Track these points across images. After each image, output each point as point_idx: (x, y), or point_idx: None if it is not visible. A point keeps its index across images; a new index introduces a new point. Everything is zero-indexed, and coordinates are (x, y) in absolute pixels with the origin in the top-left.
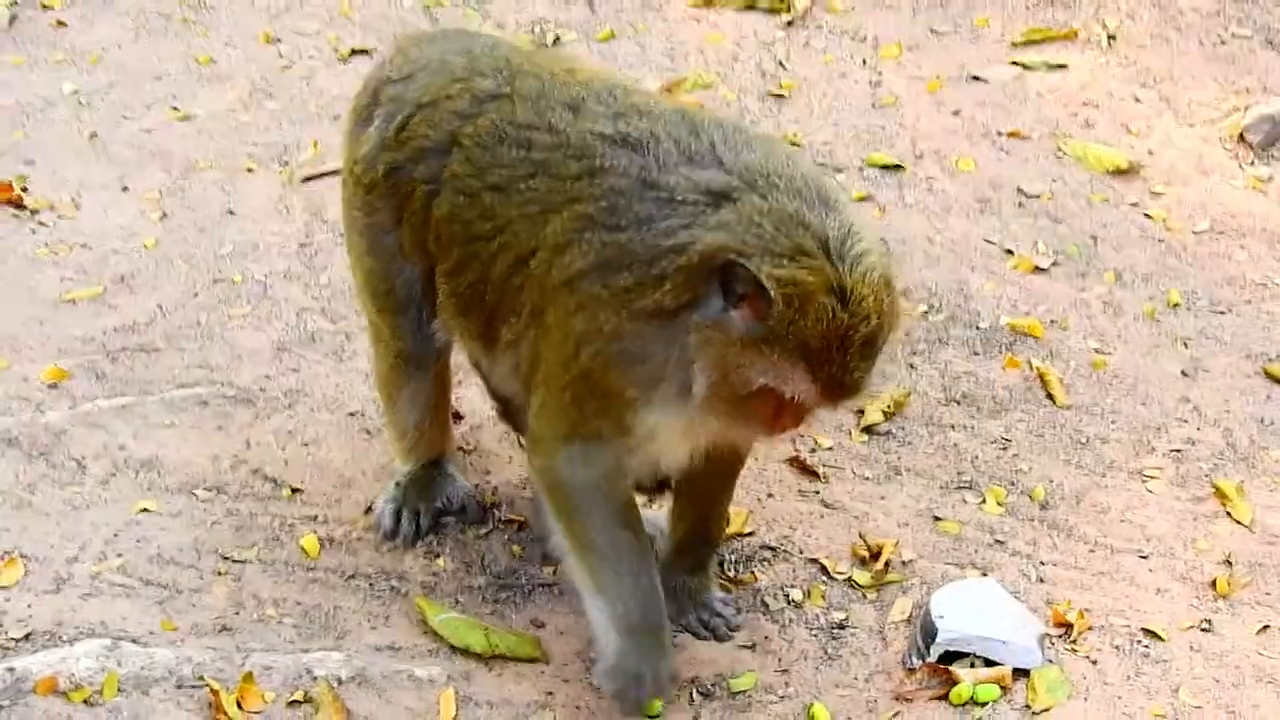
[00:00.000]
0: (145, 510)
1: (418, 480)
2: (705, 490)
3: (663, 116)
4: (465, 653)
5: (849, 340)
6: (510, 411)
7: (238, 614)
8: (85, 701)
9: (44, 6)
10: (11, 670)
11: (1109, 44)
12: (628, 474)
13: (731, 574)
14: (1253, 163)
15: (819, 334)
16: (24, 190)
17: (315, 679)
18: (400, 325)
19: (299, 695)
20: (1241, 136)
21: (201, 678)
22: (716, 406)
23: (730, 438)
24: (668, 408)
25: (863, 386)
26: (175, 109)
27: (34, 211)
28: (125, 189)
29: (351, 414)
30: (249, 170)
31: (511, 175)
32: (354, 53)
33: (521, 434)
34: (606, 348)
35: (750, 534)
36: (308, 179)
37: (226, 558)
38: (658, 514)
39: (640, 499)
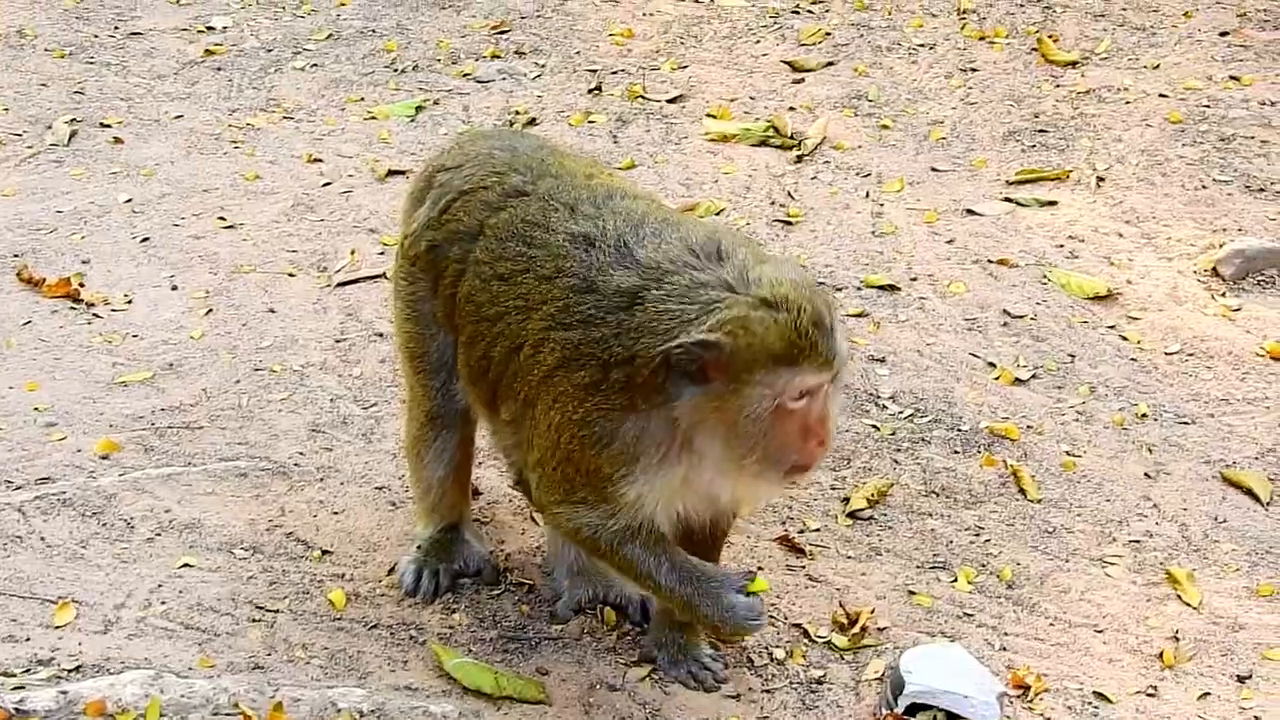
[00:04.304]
0: (187, 565)
1: (438, 544)
2: (694, 552)
3: (620, 214)
4: (476, 693)
5: (800, 327)
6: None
7: (269, 655)
8: None
9: (102, 125)
10: (64, 693)
11: (1098, 185)
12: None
13: None
14: (1224, 294)
15: (776, 340)
16: (80, 285)
17: (339, 710)
18: (431, 385)
19: None
20: (1215, 270)
21: (236, 705)
22: (747, 455)
23: (755, 485)
24: (649, 478)
25: (837, 352)
26: (222, 219)
27: (89, 305)
28: (174, 288)
29: (378, 488)
30: (290, 275)
31: (513, 269)
32: (391, 173)
33: (528, 497)
34: (579, 433)
35: None
36: (344, 284)
37: (260, 607)
38: None
39: None
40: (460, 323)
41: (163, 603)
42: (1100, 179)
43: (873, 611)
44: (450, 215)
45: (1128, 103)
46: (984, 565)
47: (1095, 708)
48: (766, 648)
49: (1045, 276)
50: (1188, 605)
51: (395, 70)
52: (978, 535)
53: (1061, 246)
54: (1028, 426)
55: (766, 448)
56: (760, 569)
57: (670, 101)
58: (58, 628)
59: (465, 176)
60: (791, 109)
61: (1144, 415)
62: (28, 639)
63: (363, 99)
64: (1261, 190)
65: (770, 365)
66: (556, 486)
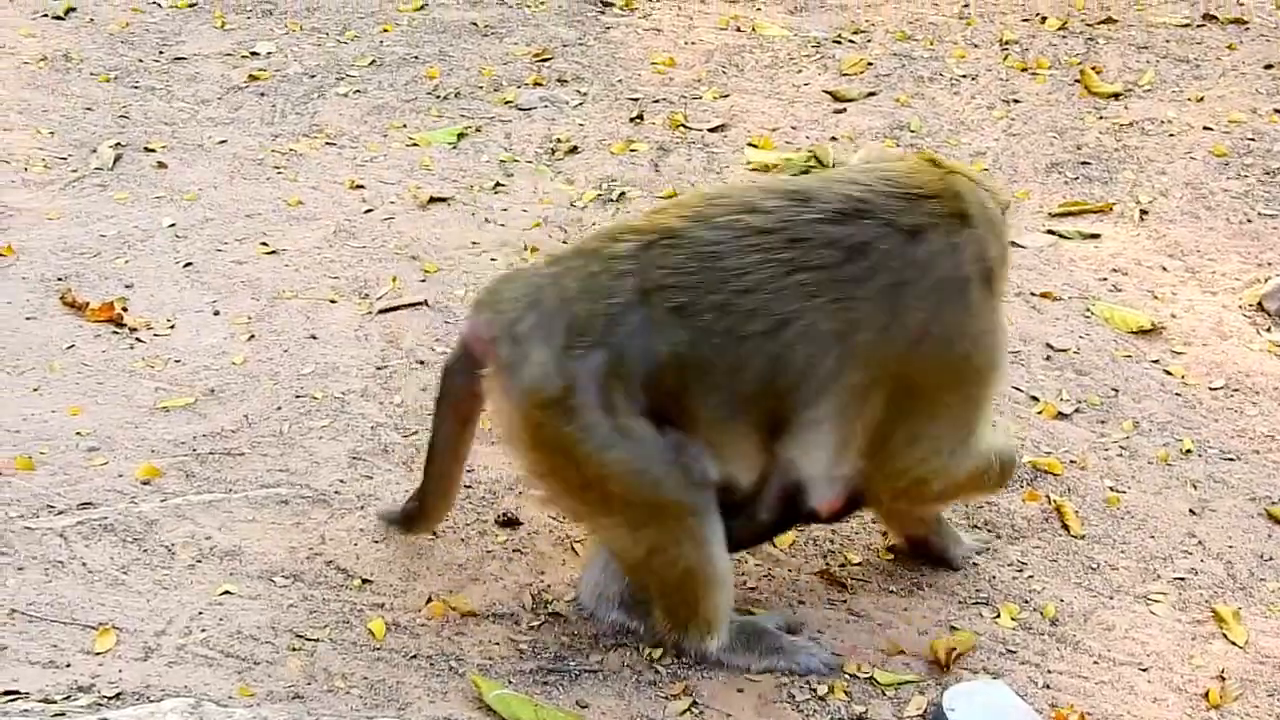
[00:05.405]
0: (227, 592)
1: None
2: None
3: (828, 186)
4: None
5: None
6: (751, 516)
7: (309, 684)
8: None
9: (146, 149)
10: None
11: (1141, 218)
12: None
13: None
14: (1269, 329)
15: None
16: (123, 310)
17: None
18: (697, 506)
19: None
20: (1260, 305)
21: None
22: None
23: None
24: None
25: None
26: (265, 244)
27: (132, 329)
28: (216, 313)
29: None
30: (331, 301)
31: (761, 278)
32: (432, 200)
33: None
34: (983, 344)
35: None
36: (385, 310)
37: (300, 636)
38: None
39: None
40: (690, 376)
41: (203, 630)
42: (1144, 212)
43: None
44: (583, 328)
45: (1171, 135)
46: (1027, 601)
47: None
48: (807, 682)
49: (1088, 310)
50: (1234, 644)
51: (437, 97)
52: (1020, 571)
53: (1105, 280)
54: (1070, 461)
55: None
56: (802, 603)
57: (712, 130)
58: (98, 654)
59: (552, 302)
60: (833, 139)
61: (1188, 451)
62: (68, 665)
63: (405, 125)
64: None
65: None
66: (969, 423)
